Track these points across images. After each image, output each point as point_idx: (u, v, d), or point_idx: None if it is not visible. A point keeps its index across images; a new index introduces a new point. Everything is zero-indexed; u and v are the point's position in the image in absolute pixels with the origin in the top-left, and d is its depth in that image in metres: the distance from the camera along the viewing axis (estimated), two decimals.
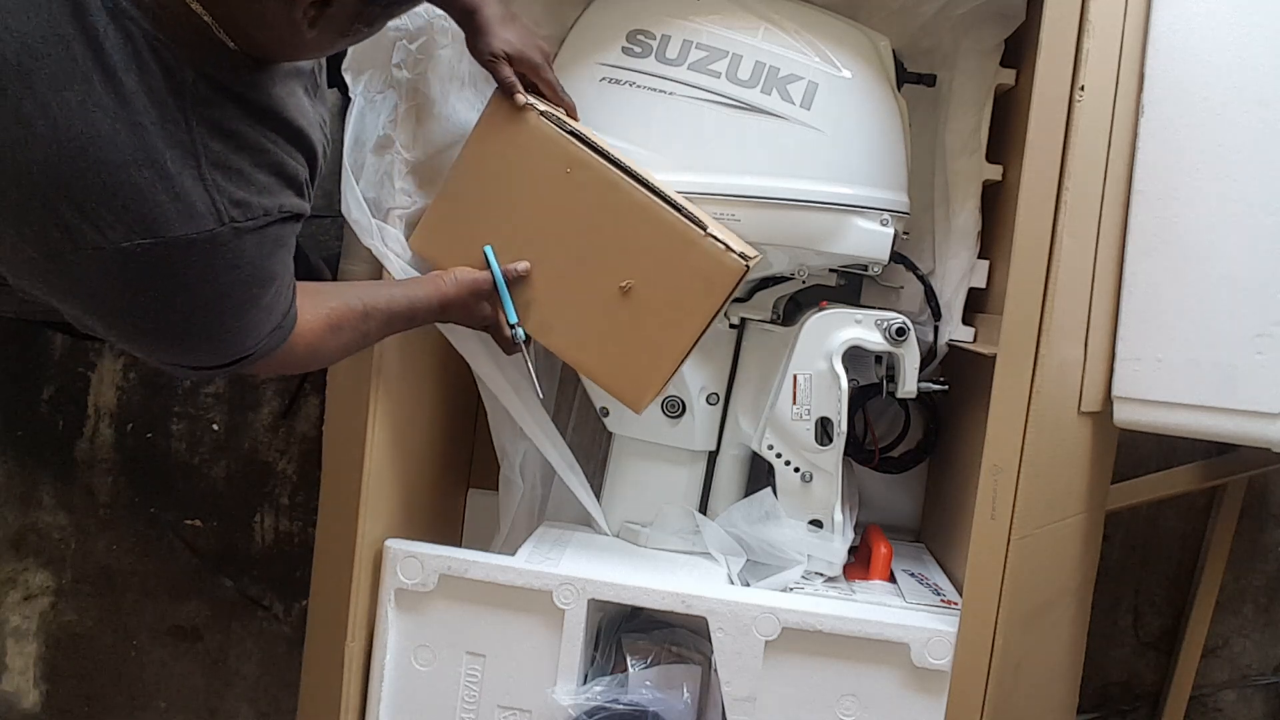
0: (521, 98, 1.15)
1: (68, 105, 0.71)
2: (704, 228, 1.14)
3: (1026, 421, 1.13)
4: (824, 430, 1.28)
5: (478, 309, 1.17)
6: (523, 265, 1.17)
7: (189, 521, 1.84)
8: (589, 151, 1.15)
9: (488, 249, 1.17)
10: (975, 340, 1.35)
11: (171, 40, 0.73)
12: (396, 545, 1.23)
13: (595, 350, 1.20)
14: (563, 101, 1.20)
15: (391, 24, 1.19)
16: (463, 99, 1.29)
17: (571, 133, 1.16)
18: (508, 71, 1.14)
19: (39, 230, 0.74)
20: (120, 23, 0.72)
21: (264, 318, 0.87)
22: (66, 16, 0.71)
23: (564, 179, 1.16)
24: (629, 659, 1.25)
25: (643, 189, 1.15)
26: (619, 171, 1.15)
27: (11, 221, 0.74)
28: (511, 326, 1.19)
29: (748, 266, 1.13)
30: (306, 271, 1.50)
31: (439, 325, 1.25)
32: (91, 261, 0.75)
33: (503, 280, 1.17)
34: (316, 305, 1.00)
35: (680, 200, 1.16)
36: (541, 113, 1.16)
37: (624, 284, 1.16)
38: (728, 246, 1.14)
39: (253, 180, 0.80)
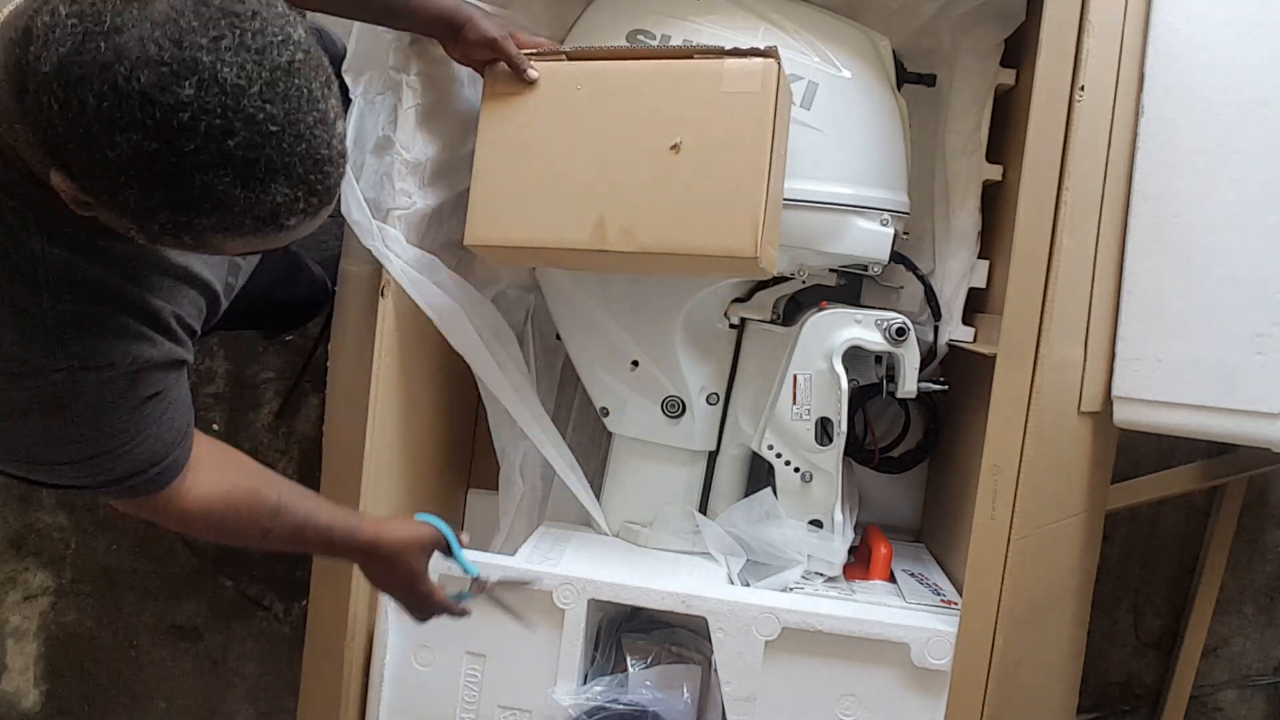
0: (533, 73, 1.15)
1: None
2: (721, 53, 1.11)
3: (1026, 421, 1.13)
4: (824, 430, 1.28)
5: (411, 563, 1.03)
6: (465, 537, 1.08)
7: None
8: (586, 61, 1.15)
9: (427, 517, 1.07)
10: (975, 340, 1.35)
11: (24, 205, 0.71)
12: None
13: (682, 225, 1.12)
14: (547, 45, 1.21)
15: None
16: (462, 99, 1.29)
17: (565, 55, 1.17)
18: (514, 48, 1.14)
19: None
20: None
21: (117, 464, 0.83)
22: None
23: (580, 98, 1.15)
24: (629, 659, 1.25)
25: (650, 60, 1.14)
26: (622, 60, 1.14)
27: None
28: (473, 579, 1.10)
29: (778, 62, 1.10)
30: (308, 283, 1.50)
31: (439, 325, 1.25)
32: None
33: (454, 537, 1.07)
34: (220, 471, 0.93)
35: (691, 47, 1.15)
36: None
37: (673, 144, 1.11)
38: (751, 53, 1.10)
39: (107, 324, 0.77)
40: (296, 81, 0.64)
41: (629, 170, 1.13)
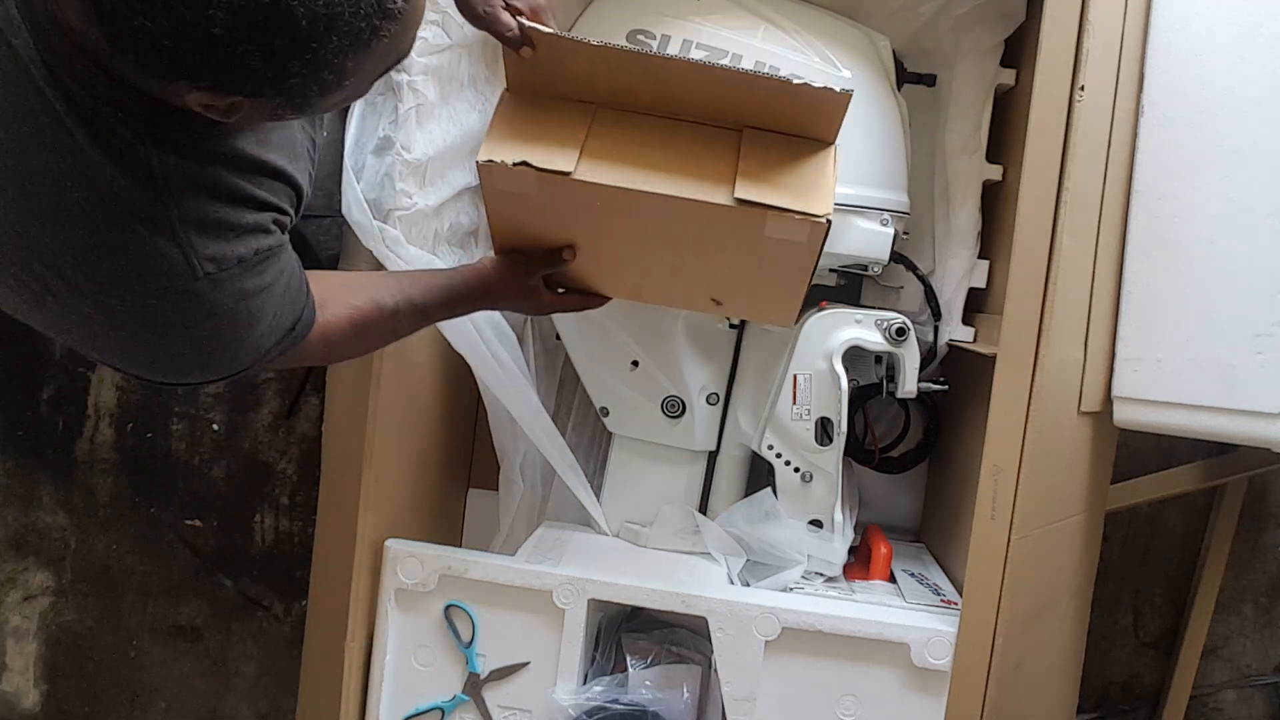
0: (528, 51, 1.00)
1: (37, 175, 0.72)
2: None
3: (1026, 421, 1.13)
4: (824, 430, 1.28)
5: (527, 278, 1.08)
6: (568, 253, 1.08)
7: (189, 521, 1.84)
8: (602, 176, 0.98)
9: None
10: (975, 340, 1.35)
11: (133, 118, 0.73)
12: (396, 545, 1.23)
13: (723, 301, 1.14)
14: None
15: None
16: (463, 100, 1.29)
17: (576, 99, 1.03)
18: (508, 19, 1.00)
19: (21, 283, 0.76)
20: (79, 101, 0.71)
21: (262, 340, 0.87)
22: (33, 90, 0.71)
23: (598, 212, 1.01)
24: (629, 659, 1.25)
25: (684, 194, 0.97)
26: (645, 175, 0.98)
27: None
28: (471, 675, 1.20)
29: (828, 222, 0.96)
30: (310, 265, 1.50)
31: (439, 325, 1.25)
32: (73, 312, 0.77)
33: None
34: (342, 301, 0.98)
35: (759, 75, 0.99)
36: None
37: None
38: (804, 213, 0.95)
39: (230, 223, 0.80)
40: None
41: (663, 273, 1.12)
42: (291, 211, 0.88)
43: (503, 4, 1.01)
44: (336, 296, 0.98)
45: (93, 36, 0.65)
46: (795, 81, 0.95)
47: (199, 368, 0.86)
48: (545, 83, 1.02)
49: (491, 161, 0.98)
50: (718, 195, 0.97)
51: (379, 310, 1.01)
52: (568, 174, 0.98)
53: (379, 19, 0.67)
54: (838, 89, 0.95)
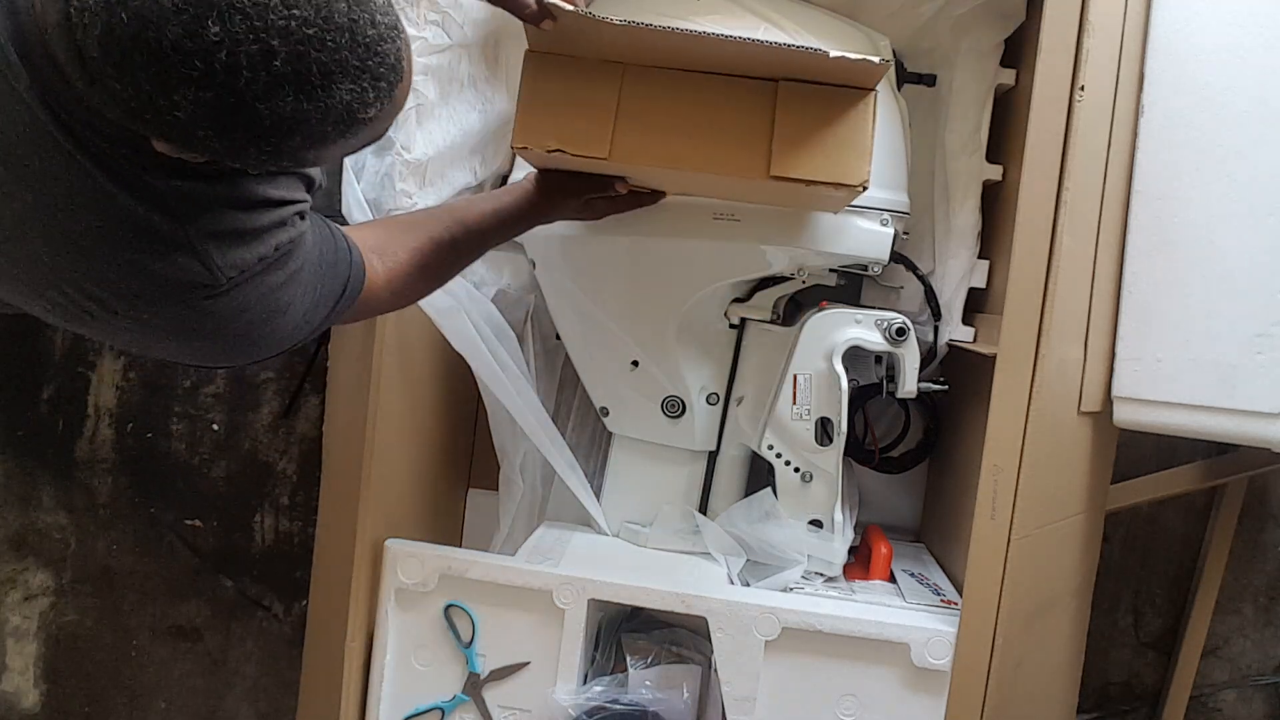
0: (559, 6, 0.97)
1: (56, 205, 0.73)
2: (803, 181, 1.01)
3: (1026, 421, 1.13)
4: (824, 430, 1.28)
5: (573, 184, 1.10)
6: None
7: (189, 521, 1.84)
8: (628, 151, 1.03)
9: None
10: (975, 340, 1.35)
11: (134, 149, 0.73)
12: (396, 545, 1.23)
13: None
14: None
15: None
16: (463, 100, 1.29)
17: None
18: None
19: (58, 305, 0.78)
20: (83, 138, 0.72)
21: (310, 315, 0.88)
22: (39, 130, 0.71)
23: (631, 171, 1.08)
24: (629, 659, 1.25)
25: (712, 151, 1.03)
26: (673, 152, 1.03)
27: (33, 297, 0.78)
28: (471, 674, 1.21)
29: (863, 187, 1.02)
30: None
31: (439, 325, 1.25)
32: (110, 325, 0.79)
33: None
34: (400, 246, 0.98)
35: (789, 49, 1.01)
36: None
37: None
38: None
39: (248, 229, 0.81)
40: None
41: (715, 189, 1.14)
42: (308, 199, 0.88)
43: None
44: (393, 243, 0.98)
45: (75, 74, 0.66)
46: (833, 54, 0.97)
47: (242, 354, 0.87)
48: (569, 47, 1.04)
49: (527, 148, 1.02)
50: (754, 169, 1.02)
51: (437, 246, 1.01)
52: (603, 159, 1.03)
53: (346, 125, 0.67)
54: (876, 59, 0.98)
